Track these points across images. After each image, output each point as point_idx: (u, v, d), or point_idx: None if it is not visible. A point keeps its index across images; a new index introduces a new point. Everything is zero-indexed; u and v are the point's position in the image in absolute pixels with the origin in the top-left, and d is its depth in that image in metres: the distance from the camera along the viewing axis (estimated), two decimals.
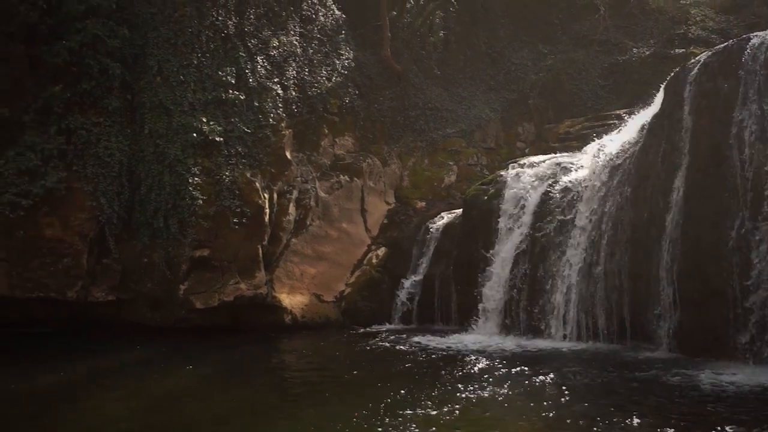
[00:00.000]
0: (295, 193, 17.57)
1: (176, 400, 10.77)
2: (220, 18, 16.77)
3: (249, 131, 16.41)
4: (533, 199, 15.93)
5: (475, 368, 12.04)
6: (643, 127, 14.61)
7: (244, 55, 16.92)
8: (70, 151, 14.95)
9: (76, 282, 14.95)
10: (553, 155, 17.62)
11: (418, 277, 17.60)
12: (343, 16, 20.39)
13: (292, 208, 17.42)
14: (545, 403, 9.77)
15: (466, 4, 23.77)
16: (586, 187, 15.26)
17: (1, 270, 14.85)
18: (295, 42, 18.43)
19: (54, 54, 14.98)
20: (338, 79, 19.46)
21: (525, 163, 17.23)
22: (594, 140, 16.99)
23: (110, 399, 10.74)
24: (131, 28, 15.92)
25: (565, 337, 14.53)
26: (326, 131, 18.94)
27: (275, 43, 17.80)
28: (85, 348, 14.23)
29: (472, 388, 10.65)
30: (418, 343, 14.68)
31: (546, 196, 15.77)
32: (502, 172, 17.17)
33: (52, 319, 15.42)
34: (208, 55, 16.46)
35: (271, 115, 16.96)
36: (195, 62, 16.21)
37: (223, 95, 16.27)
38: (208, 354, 13.99)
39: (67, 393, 11.06)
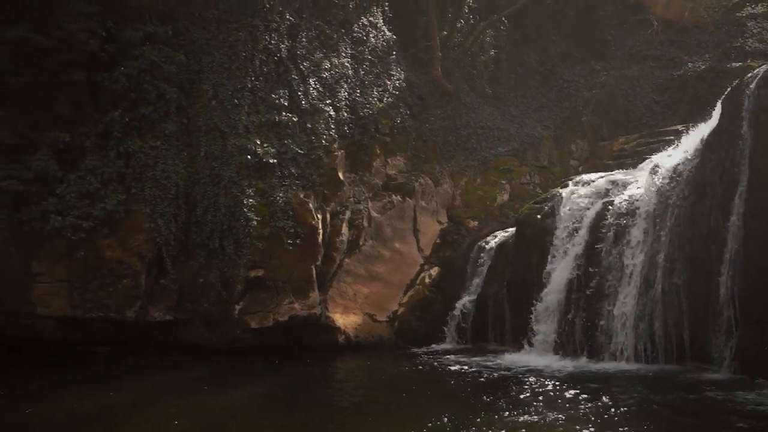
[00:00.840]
0: (347, 214, 17.66)
1: (231, 419, 10.87)
2: (272, 42, 17.04)
3: (302, 153, 16.58)
4: (588, 217, 15.74)
5: (529, 390, 11.87)
6: (700, 143, 14.34)
7: (296, 77, 17.14)
8: (129, 174, 15.30)
9: (135, 302, 15.24)
10: (607, 173, 17.41)
11: (471, 297, 17.50)
12: (394, 37, 20.52)
13: (345, 229, 17.51)
14: (603, 429, 9.56)
15: (516, 22, 23.72)
16: (642, 204, 15.01)
17: (63, 291, 15.22)
18: (346, 64, 18.61)
19: (113, 80, 15.39)
20: (389, 99, 19.57)
21: (579, 181, 17.04)
22: (649, 157, 16.72)
23: (166, 418, 10.88)
24: (187, 53, 16.27)
25: (621, 357, 14.25)
26: (378, 152, 19.03)
27: (327, 65, 18.00)
28: (142, 367, 14.48)
29: (525, 411, 10.49)
30: (471, 363, 14.56)
31: (601, 214, 15.57)
32: (556, 191, 17.02)
33: (111, 339, 15.72)
34: (261, 78, 16.72)
35: (324, 136, 17.12)
36: (249, 85, 16.47)
37: (277, 117, 16.49)
38: (263, 374, 14.10)
39: (125, 412, 11.25)
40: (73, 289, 15.16)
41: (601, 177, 16.98)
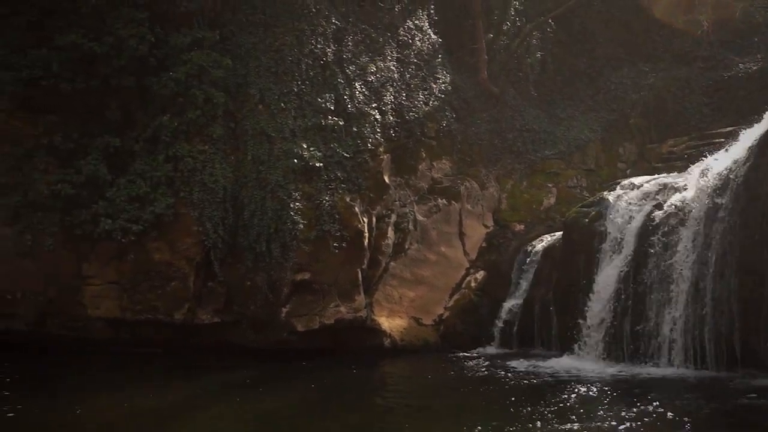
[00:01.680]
0: (393, 217, 17.67)
1: (278, 420, 10.96)
2: (319, 46, 17.13)
3: (348, 156, 16.64)
4: (636, 221, 15.52)
5: (576, 396, 11.74)
6: (752, 146, 14.04)
7: (342, 81, 17.21)
8: (177, 178, 15.51)
9: (183, 304, 15.44)
10: (656, 176, 17.16)
11: (517, 301, 17.36)
12: (440, 40, 20.48)
13: (390, 232, 17.52)
14: None
15: (563, 24, 23.49)
16: (692, 208, 14.76)
17: (113, 293, 15.50)
18: (392, 67, 18.62)
19: (162, 85, 15.63)
20: (435, 102, 19.53)
21: (627, 185, 16.83)
22: (699, 160, 16.44)
23: (214, 419, 11.01)
24: (234, 58, 16.45)
25: (670, 363, 14.05)
26: (424, 155, 19.00)
27: (373, 68, 18.03)
28: (191, 368, 14.67)
29: (570, 417, 10.36)
30: (517, 368, 14.46)
31: (650, 218, 15.34)
32: (604, 194, 16.82)
33: (160, 341, 15.95)
34: (307, 82, 16.81)
35: (370, 140, 17.16)
36: (295, 89, 16.58)
37: (323, 121, 16.57)
38: (309, 376, 14.17)
39: (175, 412, 11.40)
40: (123, 291, 15.43)
41: (650, 180, 16.74)
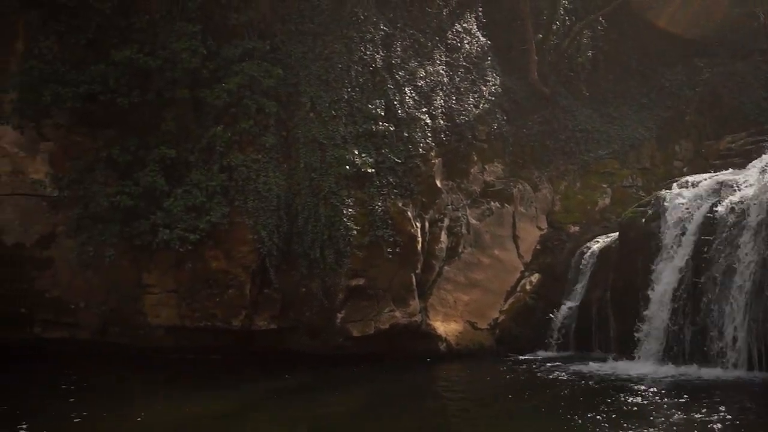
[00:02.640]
0: (446, 221, 17.63)
1: (334, 426, 11.02)
2: (368, 52, 17.21)
3: (399, 161, 16.67)
4: (695, 220, 15.22)
5: (636, 399, 11.55)
6: None
7: (392, 87, 17.26)
8: (232, 187, 15.73)
9: (241, 311, 15.65)
10: (714, 173, 16.80)
11: (573, 303, 17.18)
12: (489, 42, 20.39)
13: (443, 236, 17.48)
14: None
15: (614, 21, 23.16)
16: (752, 205, 14.41)
17: (172, 301, 15.80)
18: (441, 71, 18.61)
19: (215, 96, 15.87)
20: (486, 105, 19.44)
21: (685, 183, 16.53)
22: (759, 156, 16.04)
23: (272, 424, 11.14)
24: (285, 67, 16.62)
25: (733, 365, 13.72)
26: (475, 158, 18.93)
27: (422, 73, 18.04)
28: (249, 374, 14.85)
29: (630, 421, 10.20)
30: (575, 371, 14.31)
31: (709, 217, 15.03)
32: (660, 193, 16.52)
33: (218, 347, 16.19)
34: (357, 89, 16.90)
35: (421, 144, 17.16)
36: (345, 96, 16.68)
37: (374, 127, 16.63)
38: (365, 381, 14.23)
39: (236, 418, 11.57)
40: (182, 299, 15.70)
41: (708, 178, 16.41)
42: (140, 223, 15.31)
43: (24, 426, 10.62)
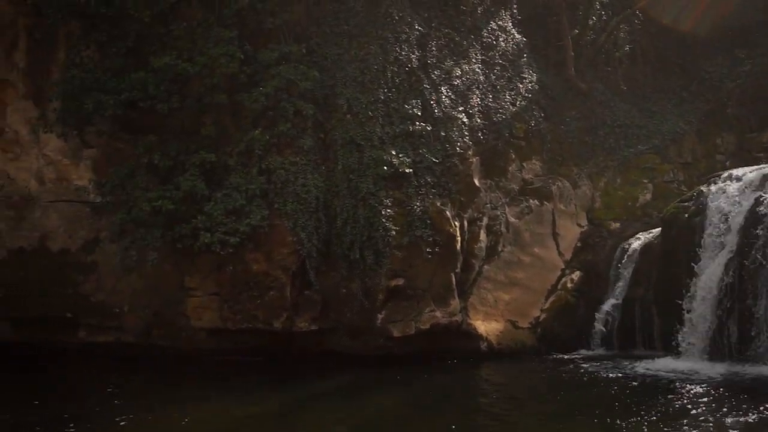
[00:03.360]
0: (485, 220, 17.55)
1: (379, 426, 11.02)
2: (403, 53, 17.20)
3: (437, 161, 16.64)
4: (740, 214, 14.96)
5: (682, 399, 11.37)
6: None
7: (428, 86, 17.23)
8: (271, 190, 15.83)
9: (282, 313, 15.74)
10: (758, 166, 16.48)
11: (616, 301, 16.99)
12: (524, 39, 20.26)
13: (483, 235, 17.41)
14: None
15: (651, 15, 22.85)
16: None
17: (214, 304, 15.95)
18: (477, 69, 18.53)
19: (253, 100, 15.99)
20: (522, 103, 19.32)
21: (728, 177, 16.23)
22: None
23: (315, 426, 11.17)
24: (321, 69, 16.69)
25: None
26: (513, 156, 18.81)
27: (458, 72, 17.99)
28: (290, 376, 14.93)
29: (676, 421, 10.04)
30: (619, 370, 14.15)
31: (753, 211, 14.77)
32: (703, 188, 16.27)
33: (260, 349, 16.31)
34: (393, 89, 16.89)
35: (458, 143, 17.11)
36: (382, 97, 16.69)
37: (410, 127, 16.62)
38: (407, 382, 14.21)
39: (276, 420, 11.64)
40: (224, 302, 15.85)
41: (752, 171, 16.10)
42: (182, 227, 15.47)
43: (72, 429, 10.80)
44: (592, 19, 22.27)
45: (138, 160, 15.95)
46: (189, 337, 16.26)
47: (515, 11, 20.47)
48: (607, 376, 13.59)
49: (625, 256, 17.44)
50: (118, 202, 15.99)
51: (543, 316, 17.26)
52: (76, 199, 16.42)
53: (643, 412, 10.61)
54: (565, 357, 16.09)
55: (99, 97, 15.49)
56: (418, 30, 17.65)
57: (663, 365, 14.32)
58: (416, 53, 17.43)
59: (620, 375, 13.57)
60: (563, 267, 18.12)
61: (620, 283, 17.18)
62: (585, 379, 13.59)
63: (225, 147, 16.12)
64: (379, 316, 15.88)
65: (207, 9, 15.97)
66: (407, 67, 17.18)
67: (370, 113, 16.45)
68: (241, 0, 15.84)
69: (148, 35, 16.18)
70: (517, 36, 20.10)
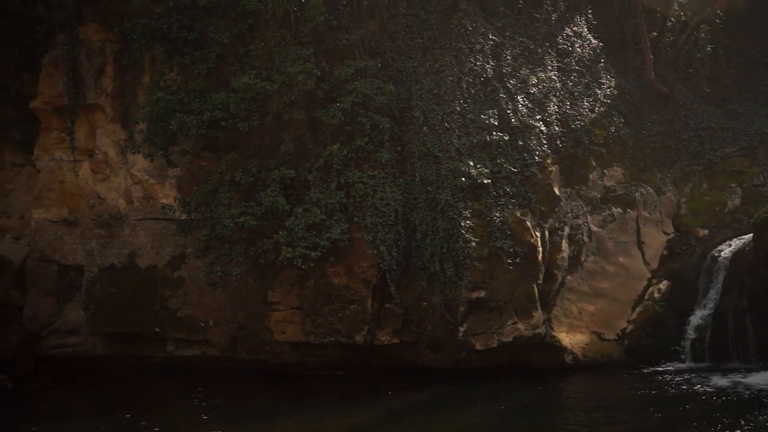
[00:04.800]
0: (566, 230, 17.24)
1: None
2: (478, 63, 17.12)
3: (515, 171, 16.46)
4: None
5: None
6: None
7: (504, 96, 17.09)
8: (350, 204, 15.93)
9: (363, 327, 15.79)
10: None
11: (707, 311, 16.42)
12: (601, 44, 19.91)
13: (564, 245, 17.10)
14: None
15: (733, 13, 22.13)
16: None
17: (297, 317, 16.12)
18: (553, 77, 18.29)
19: (330, 116, 16.13)
20: (601, 109, 18.95)
21: None
22: None
23: None
24: (396, 83, 16.74)
25: None
26: (594, 163, 18.44)
27: (534, 80, 17.80)
28: (372, 390, 14.96)
29: None
30: (712, 383, 13.67)
31: None
32: None
33: (341, 363, 16.40)
34: (469, 100, 16.83)
35: (536, 152, 16.90)
36: (458, 108, 16.64)
37: (487, 138, 16.51)
38: (491, 396, 14.05)
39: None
40: (306, 315, 15.99)
41: None
42: (264, 242, 15.71)
43: None
44: (671, 21, 21.70)
45: (221, 178, 16.29)
46: (272, 351, 16.49)
47: (590, 16, 20.13)
48: (700, 390, 13.14)
49: (716, 264, 16.84)
50: (202, 218, 16.34)
51: (630, 327, 16.82)
52: (163, 217, 16.90)
53: (739, 431, 10.20)
54: (654, 370, 15.65)
55: (183, 117, 15.89)
56: (492, 40, 17.55)
57: (760, 379, 13.76)
58: (491, 63, 17.32)
59: (713, 389, 13.09)
60: (649, 276, 17.62)
61: (711, 293, 16.60)
62: (676, 393, 13.17)
63: (304, 162, 16.32)
64: (461, 329, 15.75)
65: (283, 28, 16.21)
66: (482, 77, 17.09)
67: (446, 125, 16.42)
68: (316, 17, 16.02)
69: (227, 56, 16.56)
70: (594, 41, 19.77)
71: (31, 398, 15.37)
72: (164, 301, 16.76)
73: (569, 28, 19.41)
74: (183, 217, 16.63)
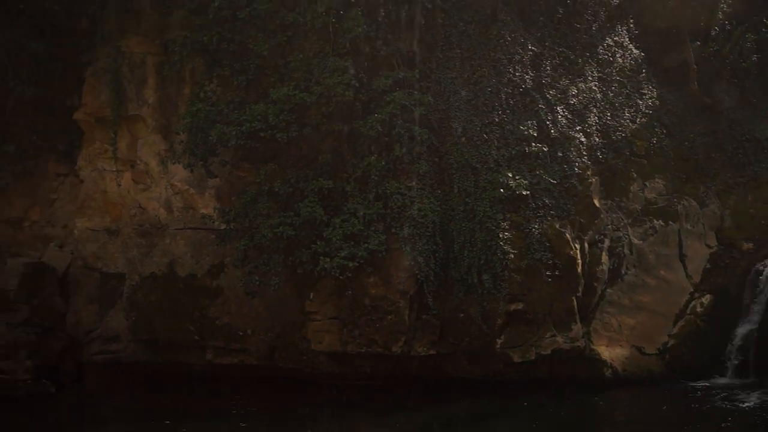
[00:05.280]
0: (606, 242, 17.02)
1: None
2: (516, 74, 17.03)
3: (555, 182, 16.32)
4: None
5: None
6: None
7: (543, 107, 16.97)
8: (388, 215, 15.91)
9: (400, 337, 15.75)
10: None
11: (752, 326, 16.10)
12: (642, 54, 19.68)
13: (604, 258, 16.87)
14: None
15: None
16: None
17: (334, 327, 16.14)
18: (594, 87, 18.12)
19: (368, 127, 16.14)
20: (643, 119, 18.71)
21: None
22: None
23: None
24: (434, 94, 16.72)
25: None
26: (635, 175, 18.20)
27: (574, 91, 17.65)
28: (408, 401, 14.91)
29: None
30: (757, 400, 13.35)
31: None
32: None
33: (377, 373, 16.38)
34: (508, 111, 16.74)
35: (576, 163, 16.74)
36: (496, 119, 16.56)
37: (526, 149, 16.40)
38: (530, 409, 13.93)
39: None
40: (343, 325, 16.01)
41: None
42: (302, 252, 15.75)
43: None
44: (715, 30, 21.36)
45: (259, 188, 16.39)
46: (310, 360, 16.55)
47: (632, 26, 19.92)
48: (744, 407, 12.86)
49: (761, 278, 16.52)
50: (241, 228, 16.46)
51: (671, 342, 16.52)
52: (202, 227, 17.08)
53: None
54: (697, 385, 15.35)
55: (222, 128, 16.05)
56: (531, 50, 17.45)
57: None
58: (530, 74, 17.21)
59: (757, 406, 12.79)
60: (692, 290, 17.29)
61: (756, 307, 16.26)
62: (718, 409, 12.90)
63: (342, 173, 16.36)
64: (498, 341, 15.63)
65: (322, 40, 16.31)
66: (521, 87, 16.99)
67: (485, 135, 16.35)
68: (354, 29, 16.08)
69: (266, 67, 16.70)
70: (635, 51, 19.55)
71: (74, 404, 15.65)
72: (203, 309, 16.91)
73: (610, 38, 19.23)
74: (222, 227, 16.76)
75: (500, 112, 16.63)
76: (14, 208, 18.59)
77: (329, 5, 16.00)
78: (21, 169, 18.39)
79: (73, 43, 18.19)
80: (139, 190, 17.79)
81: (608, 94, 18.40)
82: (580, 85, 17.86)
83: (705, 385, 15.27)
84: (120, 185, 17.86)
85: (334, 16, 16.00)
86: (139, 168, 17.72)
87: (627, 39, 19.58)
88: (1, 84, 17.87)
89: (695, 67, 20.28)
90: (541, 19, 18.21)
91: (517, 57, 17.21)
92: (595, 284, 16.60)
